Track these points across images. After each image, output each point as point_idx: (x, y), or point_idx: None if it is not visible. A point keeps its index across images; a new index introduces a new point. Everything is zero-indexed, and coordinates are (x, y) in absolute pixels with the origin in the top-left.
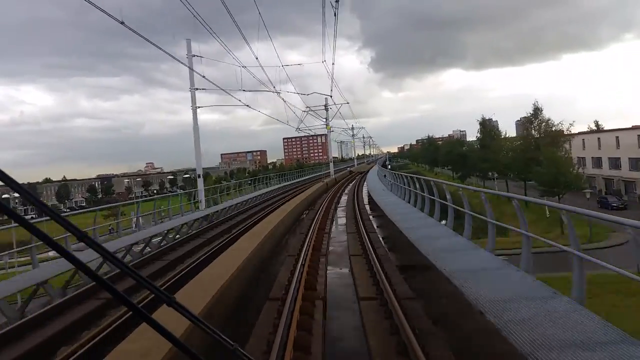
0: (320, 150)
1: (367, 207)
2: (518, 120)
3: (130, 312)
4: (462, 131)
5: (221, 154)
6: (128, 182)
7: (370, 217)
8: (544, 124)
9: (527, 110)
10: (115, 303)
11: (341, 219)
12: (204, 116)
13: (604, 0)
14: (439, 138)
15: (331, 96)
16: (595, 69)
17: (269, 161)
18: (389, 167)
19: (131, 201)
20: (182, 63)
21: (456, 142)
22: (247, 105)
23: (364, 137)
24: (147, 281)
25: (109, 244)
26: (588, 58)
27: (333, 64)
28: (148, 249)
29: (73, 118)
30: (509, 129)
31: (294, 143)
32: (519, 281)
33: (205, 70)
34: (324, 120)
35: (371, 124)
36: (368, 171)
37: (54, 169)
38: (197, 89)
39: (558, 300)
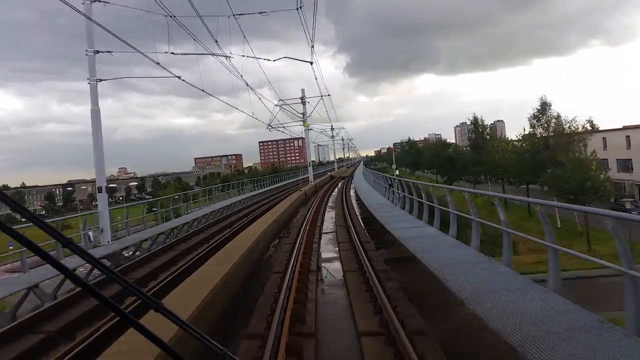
0: (297, 154)
1: (366, 232)
2: (491, 124)
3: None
4: (438, 134)
5: (195, 158)
6: (90, 189)
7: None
8: (553, 120)
9: (533, 108)
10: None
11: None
12: (179, 120)
13: (572, 7)
14: (417, 141)
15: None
16: (564, 73)
17: (245, 165)
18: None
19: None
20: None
21: (442, 144)
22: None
23: (343, 139)
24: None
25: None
26: (557, 63)
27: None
28: None
29: (44, 123)
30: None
31: (270, 147)
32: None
33: (180, 74)
34: (300, 116)
35: (347, 128)
36: (352, 175)
37: (24, 174)
38: (99, 80)
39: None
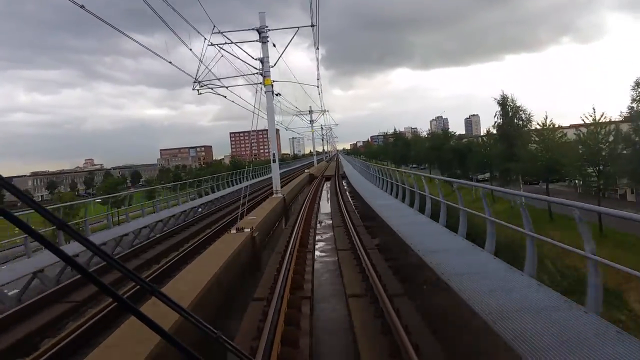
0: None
1: None
2: (467, 119)
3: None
4: (414, 128)
5: (160, 150)
6: (31, 183)
7: None
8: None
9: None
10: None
11: None
12: (150, 111)
13: (543, 4)
14: (392, 134)
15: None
16: (535, 69)
17: (216, 158)
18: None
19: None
20: None
21: (443, 135)
22: None
23: (322, 128)
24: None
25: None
26: (529, 59)
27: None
28: None
29: (10, 112)
30: (458, 128)
31: (242, 138)
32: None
33: (152, 64)
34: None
35: (322, 121)
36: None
37: None
38: None
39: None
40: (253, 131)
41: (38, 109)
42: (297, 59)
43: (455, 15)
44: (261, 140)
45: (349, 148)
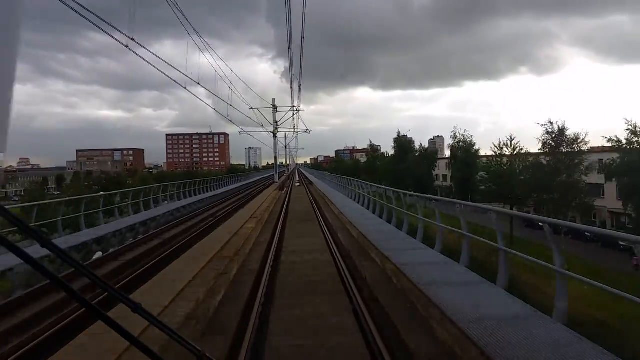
0: (217, 154)
1: None
2: (431, 140)
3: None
4: (378, 145)
5: (77, 150)
6: None
7: None
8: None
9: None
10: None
11: None
12: (104, 112)
13: (503, 33)
14: (358, 150)
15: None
16: (494, 96)
17: (149, 163)
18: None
19: None
20: None
21: (425, 152)
22: None
23: (286, 137)
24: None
25: None
26: (487, 87)
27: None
28: None
29: None
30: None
31: (181, 142)
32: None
33: (108, 64)
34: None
35: (282, 134)
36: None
37: None
38: None
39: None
40: (196, 134)
41: None
42: (260, 69)
43: (419, 39)
44: (207, 146)
45: (309, 162)
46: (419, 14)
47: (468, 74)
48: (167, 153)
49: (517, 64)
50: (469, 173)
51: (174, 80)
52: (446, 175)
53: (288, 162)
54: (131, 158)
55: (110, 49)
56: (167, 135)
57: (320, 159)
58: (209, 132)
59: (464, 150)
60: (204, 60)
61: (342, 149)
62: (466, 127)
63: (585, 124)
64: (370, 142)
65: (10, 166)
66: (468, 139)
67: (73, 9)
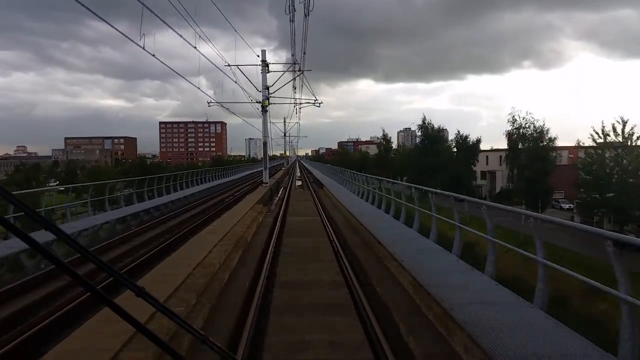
0: (213, 143)
1: None
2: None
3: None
4: (380, 138)
5: (65, 138)
6: None
7: None
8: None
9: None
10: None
11: None
12: (106, 101)
13: (506, 27)
14: (362, 142)
15: None
16: (497, 90)
17: (142, 152)
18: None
19: None
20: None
21: (463, 141)
22: None
23: (285, 123)
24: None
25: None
26: (490, 80)
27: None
28: None
29: None
30: None
31: (174, 131)
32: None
33: (111, 53)
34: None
35: (281, 120)
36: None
37: None
38: None
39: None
40: (191, 122)
41: None
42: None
43: (421, 31)
44: (202, 134)
45: (310, 154)
46: (421, 7)
47: (471, 67)
48: (161, 142)
49: (521, 57)
50: (542, 171)
51: (173, 70)
52: (486, 172)
53: (288, 153)
54: (122, 147)
55: (112, 38)
56: (160, 123)
57: (321, 151)
58: (204, 120)
59: (533, 141)
60: (206, 50)
61: (346, 140)
62: (468, 121)
63: (589, 119)
64: (384, 131)
65: (7, 154)
66: (536, 124)
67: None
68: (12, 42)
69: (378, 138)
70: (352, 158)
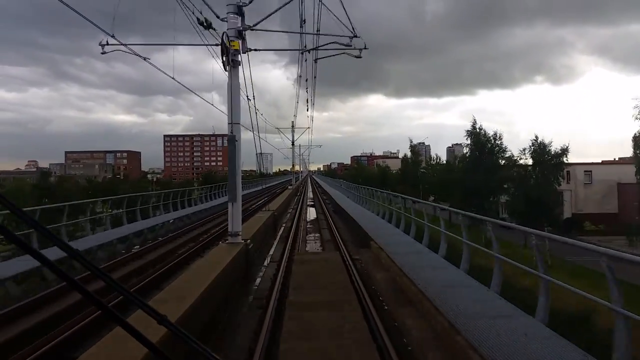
0: (220, 157)
1: None
2: (449, 147)
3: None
4: (394, 152)
5: (66, 152)
6: None
7: None
8: None
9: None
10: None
11: None
12: (119, 117)
13: (518, 42)
14: (376, 156)
15: None
16: (508, 105)
17: (148, 167)
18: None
19: None
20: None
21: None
22: None
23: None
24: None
25: None
26: (502, 95)
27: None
28: None
29: None
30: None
31: (180, 145)
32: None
33: (123, 69)
34: None
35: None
36: None
37: None
38: None
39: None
40: (197, 135)
41: (3, 106)
42: (272, 76)
43: (432, 47)
44: (209, 148)
45: (321, 169)
46: (432, 22)
47: (482, 83)
48: (165, 157)
49: (533, 72)
50: None
51: (187, 88)
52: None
53: (299, 169)
54: (125, 161)
55: (124, 54)
56: (165, 137)
57: (333, 166)
58: (211, 133)
59: None
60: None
61: (359, 154)
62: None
63: (603, 134)
64: (411, 142)
65: (17, 169)
66: None
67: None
68: (26, 58)
69: (391, 153)
70: (368, 173)
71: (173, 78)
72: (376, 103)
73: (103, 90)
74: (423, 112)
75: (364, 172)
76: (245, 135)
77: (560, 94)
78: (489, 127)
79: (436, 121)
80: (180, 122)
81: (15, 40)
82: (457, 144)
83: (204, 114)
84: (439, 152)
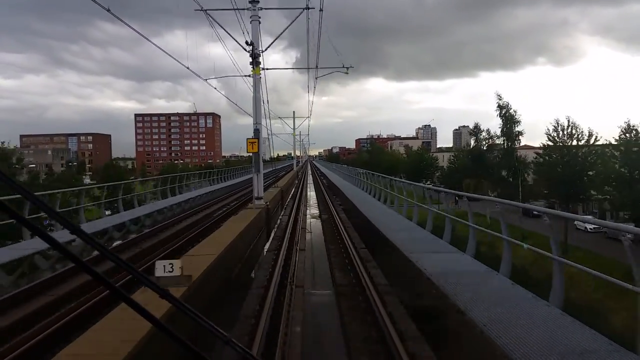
0: (203, 140)
1: None
2: (456, 130)
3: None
4: (398, 135)
5: (20, 135)
6: None
7: None
8: None
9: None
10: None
11: None
12: (118, 103)
13: (520, 23)
14: (381, 138)
15: None
16: (510, 88)
17: (120, 153)
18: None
19: None
20: None
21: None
22: None
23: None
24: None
25: None
26: (504, 77)
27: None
28: None
29: None
30: (446, 140)
31: (155, 125)
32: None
33: (120, 54)
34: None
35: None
36: None
37: None
38: None
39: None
40: (174, 114)
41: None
42: (271, 61)
43: (432, 29)
44: (189, 131)
45: (322, 154)
46: (432, 3)
47: (483, 65)
48: (137, 140)
49: (535, 54)
50: None
51: (190, 70)
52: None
53: (298, 153)
54: (90, 146)
55: (122, 39)
56: (136, 116)
57: (335, 150)
58: (192, 112)
59: None
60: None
61: (365, 137)
62: (480, 120)
63: (606, 116)
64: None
65: None
66: None
67: None
68: (22, 44)
69: (395, 136)
70: (390, 159)
71: (188, 68)
72: (376, 87)
73: (100, 76)
74: (423, 95)
75: (379, 157)
76: (243, 121)
77: (563, 75)
78: (486, 111)
79: (437, 105)
80: (179, 108)
81: (10, 26)
82: (463, 126)
83: (202, 99)
84: (445, 134)
